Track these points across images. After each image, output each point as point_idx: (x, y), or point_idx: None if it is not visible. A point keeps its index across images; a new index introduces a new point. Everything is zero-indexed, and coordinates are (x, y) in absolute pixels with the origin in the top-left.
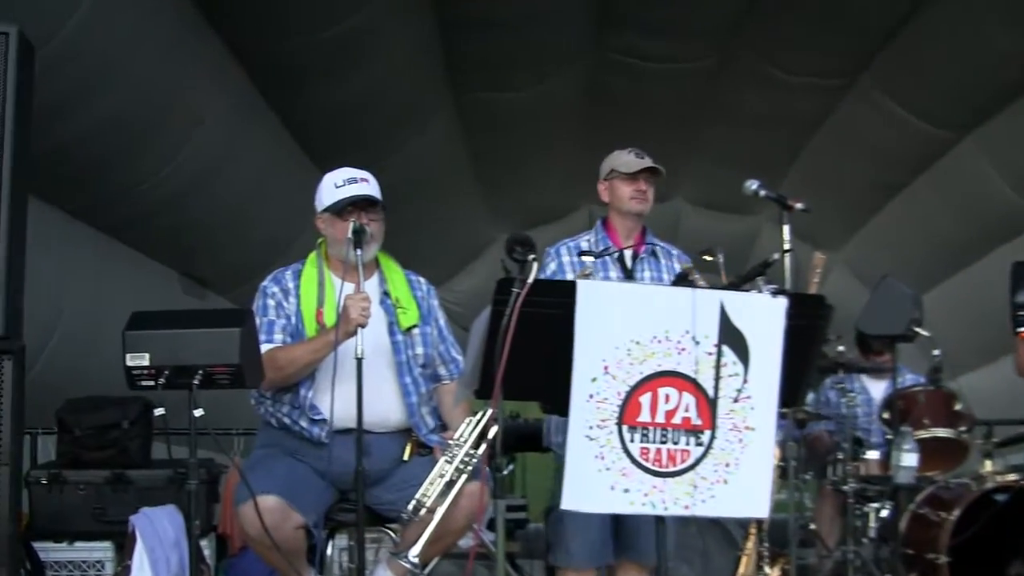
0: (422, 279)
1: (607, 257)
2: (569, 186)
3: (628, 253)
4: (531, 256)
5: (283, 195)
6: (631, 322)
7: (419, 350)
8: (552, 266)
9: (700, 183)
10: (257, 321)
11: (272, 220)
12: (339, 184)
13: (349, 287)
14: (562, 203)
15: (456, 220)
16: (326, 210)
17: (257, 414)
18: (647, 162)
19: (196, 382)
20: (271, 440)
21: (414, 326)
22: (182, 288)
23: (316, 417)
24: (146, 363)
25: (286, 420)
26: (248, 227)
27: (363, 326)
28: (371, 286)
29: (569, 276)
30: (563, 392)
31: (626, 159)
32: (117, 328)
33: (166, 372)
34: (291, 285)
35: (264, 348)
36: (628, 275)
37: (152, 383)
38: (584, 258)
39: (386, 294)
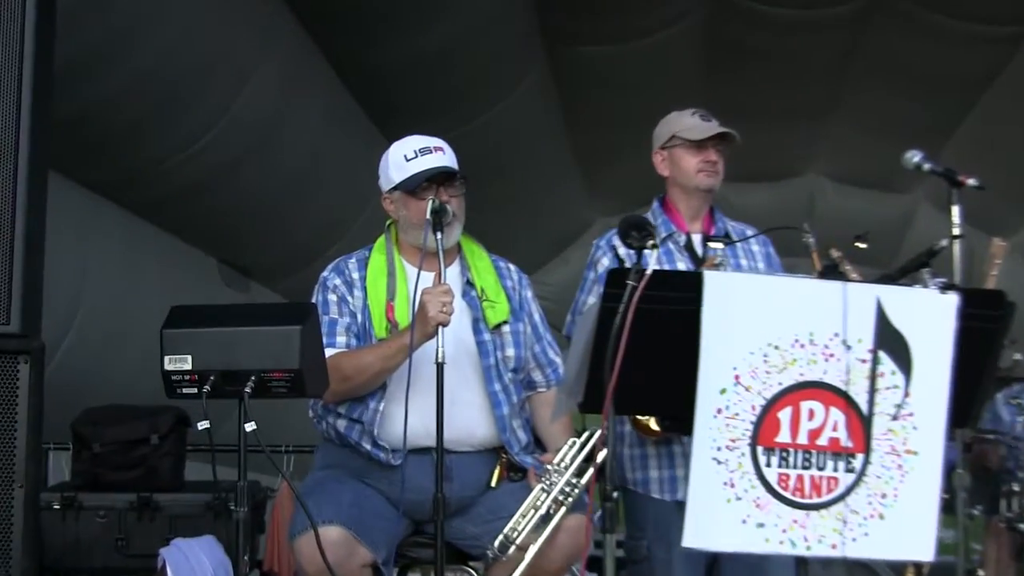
0: (512, 266)
1: (670, 244)
2: None
3: (697, 238)
4: (650, 242)
5: (342, 169)
6: (768, 322)
7: (510, 351)
8: (605, 262)
9: (840, 154)
10: None
11: (329, 199)
12: (410, 156)
13: (426, 277)
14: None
15: (548, 199)
16: (396, 188)
17: (318, 429)
18: (717, 126)
19: (248, 390)
20: (333, 460)
21: (504, 322)
22: (223, 279)
23: (380, 442)
24: (188, 367)
25: (351, 437)
26: (300, 207)
27: (444, 325)
28: (451, 276)
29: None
30: (686, 406)
31: (691, 123)
32: (145, 324)
33: (212, 378)
34: (356, 276)
35: (326, 353)
36: (699, 263)
37: (195, 390)
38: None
39: (470, 284)
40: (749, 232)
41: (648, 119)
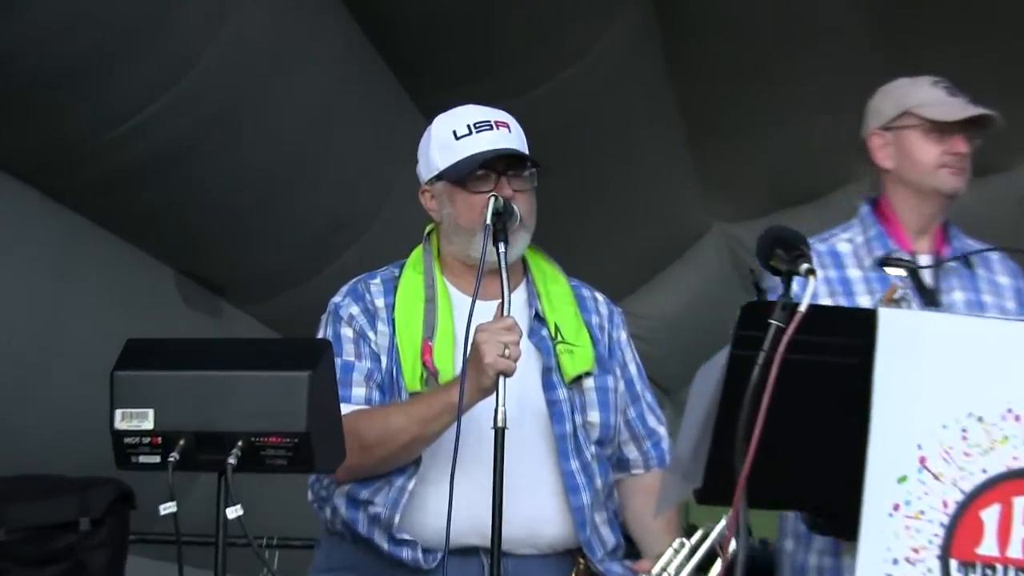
0: (600, 295)
1: (887, 271)
2: (834, 148)
3: (926, 261)
4: (804, 265)
5: (356, 149)
6: (971, 383)
7: (594, 416)
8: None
9: None
10: None
11: (336, 190)
12: (462, 132)
13: (483, 308)
14: (822, 175)
15: (646, 197)
16: (441, 176)
17: (320, 518)
18: (969, 105)
19: (233, 461)
20: (342, 561)
21: (586, 374)
22: (183, 297)
23: (402, 536)
24: (149, 425)
25: (359, 528)
26: (295, 200)
27: (508, 375)
28: (515, 306)
29: (823, 302)
30: (849, 499)
31: (932, 95)
32: (77, 358)
33: (182, 442)
34: (381, 303)
35: (342, 411)
36: (929, 299)
37: (158, 459)
38: (890, 271)
39: (539, 319)
40: (994, 257)
41: (785, 94)
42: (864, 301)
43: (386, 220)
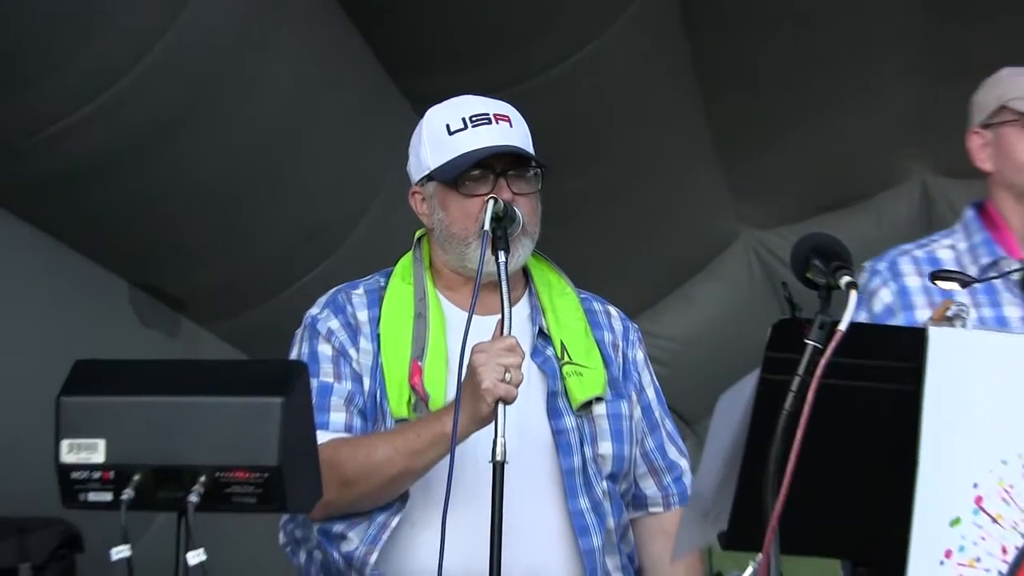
0: (613, 309)
1: (996, 282)
2: (880, 145)
3: None
4: (844, 278)
5: (335, 143)
6: None
7: (606, 447)
8: (885, 296)
9: None
10: None
11: (311, 190)
12: (457, 126)
13: (482, 326)
14: (866, 175)
15: (666, 201)
16: (432, 177)
17: (294, 563)
18: None
19: (195, 499)
20: None
21: (597, 400)
22: (138, 313)
23: None
24: (100, 459)
25: (339, 571)
26: (264, 202)
27: (508, 402)
28: (516, 322)
29: (921, 317)
30: (895, 543)
31: None
32: (16, 381)
33: (137, 477)
34: (364, 317)
35: (318, 440)
36: None
37: (110, 496)
38: (941, 284)
39: (544, 337)
40: None
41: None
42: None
43: (371, 224)
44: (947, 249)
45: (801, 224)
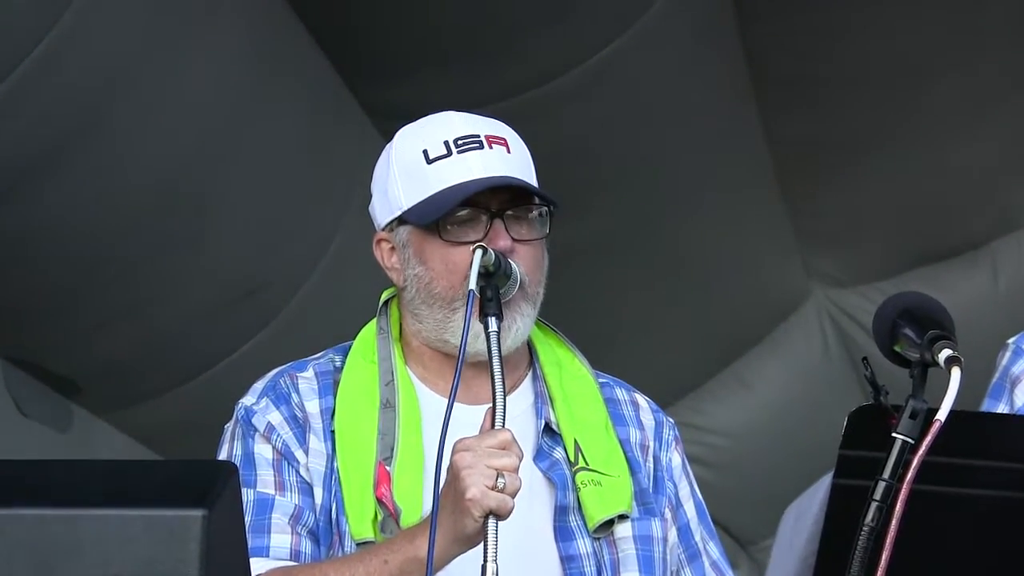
0: (642, 398)
1: None
2: (1002, 167)
3: None
4: (945, 351)
5: (276, 177)
6: None
7: None
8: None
9: None
10: None
11: (245, 238)
12: (436, 153)
13: (469, 417)
14: (972, 218)
15: (715, 252)
16: (405, 220)
17: None
18: None
19: None
20: None
21: (621, 518)
22: (17, 401)
23: None
24: None
25: None
26: (184, 253)
27: (502, 518)
28: (516, 413)
29: None
30: None
31: None
32: None
33: None
34: (315, 408)
35: (253, 570)
36: None
37: None
38: None
39: (551, 433)
40: None
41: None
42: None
43: (323, 281)
44: None
45: (891, 281)
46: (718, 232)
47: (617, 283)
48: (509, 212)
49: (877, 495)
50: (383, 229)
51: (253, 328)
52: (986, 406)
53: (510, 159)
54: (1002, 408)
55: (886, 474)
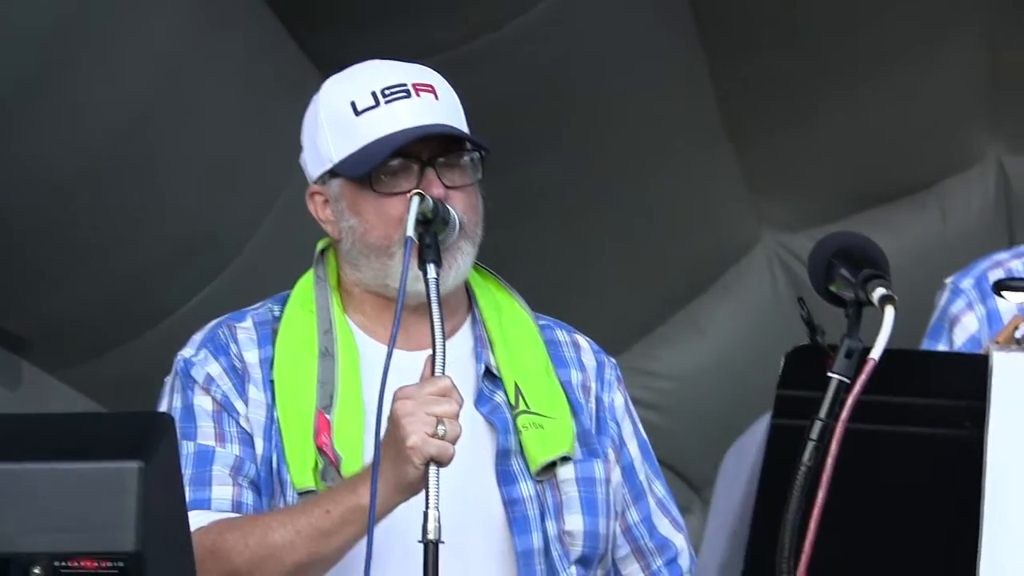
0: (584, 339)
1: None
2: (950, 108)
3: None
4: (878, 290)
5: (221, 129)
6: None
7: (575, 522)
8: (970, 323)
9: None
10: None
11: (191, 193)
12: (365, 104)
13: (409, 363)
14: (934, 151)
15: (660, 196)
16: (337, 172)
17: None
18: None
19: None
20: None
21: (563, 460)
22: None
23: None
24: None
25: None
26: (129, 209)
27: (443, 464)
28: (455, 358)
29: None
30: None
31: None
32: None
33: None
34: (254, 358)
35: (195, 523)
36: None
37: None
38: (1009, 297)
39: (491, 377)
40: None
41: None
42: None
43: (271, 235)
44: None
45: (840, 223)
46: (668, 177)
47: (570, 229)
48: (440, 160)
49: (814, 434)
50: (315, 182)
51: (200, 282)
52: (925, 346)
53: (438, 106)
54: (941, 348)
55: (822, 413)
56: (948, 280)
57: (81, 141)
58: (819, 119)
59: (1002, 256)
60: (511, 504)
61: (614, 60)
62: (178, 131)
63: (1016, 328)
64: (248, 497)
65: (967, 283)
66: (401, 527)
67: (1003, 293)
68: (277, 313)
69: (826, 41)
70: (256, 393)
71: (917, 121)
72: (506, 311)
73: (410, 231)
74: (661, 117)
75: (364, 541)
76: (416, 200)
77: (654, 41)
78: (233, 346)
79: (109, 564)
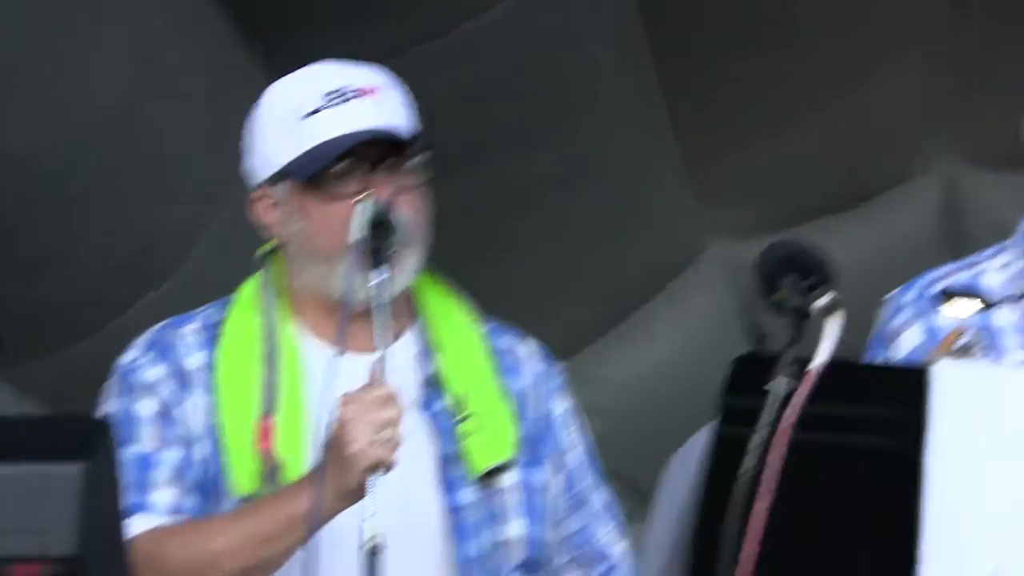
0: (527, 344)
1: None
2: (900, 117)
3: None
4: (824, 299)
5: (173, 128)
6: None
7: (517, 528)
8: (912, 338)
9: None
10: None
11: (138, 193)
12: (310, 107)
13: (354, 368)
14: (882, 161)
15: (610, 203)
16: (282, 175)
17: None
18: None
19: None
20: None
21: (505, 467)
22: None
23: None
24: None
25: None
26: (74, 208)
27: (387, 469)
28: (399, 364)
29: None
30: None
31: None
32: None
33: None
34: (196, 362)
35: (135, 527)
36: None
37: None
38: (948, 309)
39: (434, 384)
40: None
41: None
42: (1019, 357)
43: (216, 242)
44: (997, 272)
45: (787, 232)
46: (614, 186)
47: (520, 236)
48: (388, 162)
49: (755, 443)
50: (261, 186)
51: (143, 286)
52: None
53: (385, 108)
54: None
55: (764, 422)
56: (891, 295)
57: (27, 137)
58: (767, 130)
59: (944, 270)
60: (453, 511)
61: (563, 65)
62: (128, 135)
63: (956, 340)
64: (189, 502)
65: (908, 297)
66: (343, 533)
67: (946, 304)
68: (221, 317)
69: (775, 53)
70: (198, 397)
71: (864, 133)
72: (451, 316)
73: (358, 235)
74: (611, 124)
75: (303, 550)
76: (364, 204)
77: (606, 49)
78: (175, 350)
79: (47, 569)
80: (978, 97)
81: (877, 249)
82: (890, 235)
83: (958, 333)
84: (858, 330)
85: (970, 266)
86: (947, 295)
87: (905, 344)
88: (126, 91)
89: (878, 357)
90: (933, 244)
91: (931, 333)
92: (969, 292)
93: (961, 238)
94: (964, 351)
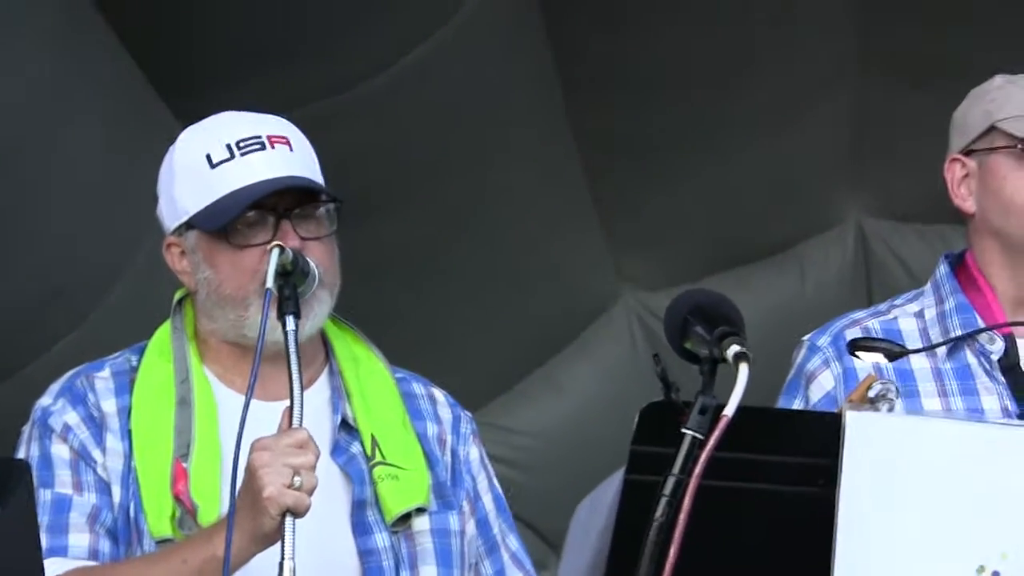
0: (439, 391)
1: (967, 353)
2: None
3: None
4: (733, 347)
5: (83, 173)
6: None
7: (430, 573)
8: (826, 381)
9: None
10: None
11: (47, 240)
12: (219, 157)
13: (266, 414)
14: (795, 212)
15: (522, 253)
16: (192, 224)
17: None
18: None
19: None
20: None
21: (418, 511)
22: None
23: None
24: None
25: None
26: None
27: (298, 515)
28: (312, 409)
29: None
30: None
31: None
32: None
33: None
34: (112, 407)
35: (51, 570)
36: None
37: None
38: (862, 358)
39: (348, 428)
40: None
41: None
42: (933, 404)
43: (133, 285)
44: (912, 318)
45: (701, 283)
46: (531, 234)
47: (430, 286)
48: (296, 211)
49: (666, 490)
50: (172, 234)
51: (61, 331)
52: (782, 403)
53: (293, 158)
54: (797, 404)
55: (675, 469)
56: (805, 338)
57: None
58: (682, 180)
59: (859, 315)
60: (366, 555)
61: (478, 118)
62: (35, 177)
63: (869, 387)
64: (105, 545)
65: (824, 340)
66: None
67: (858, 353)
68: (135, 363)
69: (691, 103)
70: (113, 442)
71: (779, 183)
72: (363, 362)
73: (270, 283)
74: (520, 175)
75: None
76: (275, 252)
77: (520, 100)
78: (91, 395)
79: None
80: (890, 148)
81: (791, 298)
82: (804, 284)
83: (872, 379)
84: (772, 374)
85: (885, 312)
86: (862, 340)
87: (821, 386)
88: (19, 142)
89: (794, 399)
90: (846, 293)
91: (846, 376)
92: (883, 338)
93: (874, 285)
94: (879, 398)
